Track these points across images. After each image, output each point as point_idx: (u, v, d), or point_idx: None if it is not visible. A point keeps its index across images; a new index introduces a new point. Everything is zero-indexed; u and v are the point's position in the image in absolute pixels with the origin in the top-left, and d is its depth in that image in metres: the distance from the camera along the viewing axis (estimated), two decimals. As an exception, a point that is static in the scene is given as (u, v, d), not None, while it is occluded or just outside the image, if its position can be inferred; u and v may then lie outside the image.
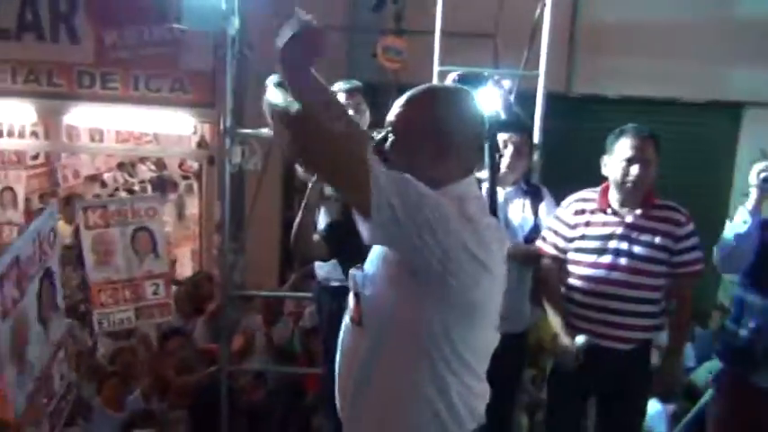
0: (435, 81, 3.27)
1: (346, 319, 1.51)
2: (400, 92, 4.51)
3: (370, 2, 4.50)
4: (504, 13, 4.64)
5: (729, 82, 5.30)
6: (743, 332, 2.32)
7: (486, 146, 2.30)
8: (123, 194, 6.21)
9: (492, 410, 2.49)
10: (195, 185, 6.35)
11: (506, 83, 3.17)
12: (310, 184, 2.38)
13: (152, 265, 3.61)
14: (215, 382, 3.36)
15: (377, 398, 1.42)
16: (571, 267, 2.41)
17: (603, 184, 2.42)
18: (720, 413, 2.46)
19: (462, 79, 2.80)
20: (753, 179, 2.22)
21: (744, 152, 5.48)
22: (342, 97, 2.86)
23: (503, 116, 2.92)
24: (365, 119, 2.92)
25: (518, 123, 2.63)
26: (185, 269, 5.87)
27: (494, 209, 2.39)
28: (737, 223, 2.24)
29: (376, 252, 1.46)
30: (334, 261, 2.80)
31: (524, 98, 3.38)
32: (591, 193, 2.44)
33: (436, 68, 3.25)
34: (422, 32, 4.01)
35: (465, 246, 1.30)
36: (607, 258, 2.31)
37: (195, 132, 5.46)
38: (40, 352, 2.31)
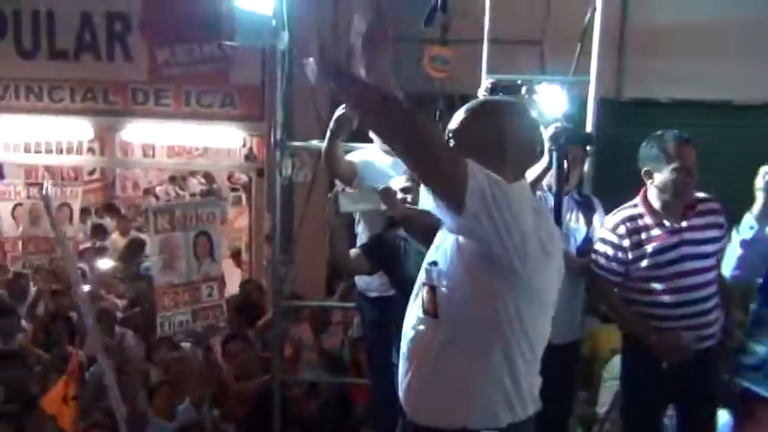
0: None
1: (418, 313, 1.57)
2: (446, 101, 4.54)
3: (416, 12, 4.51)
4: (551, 19, 4.60)
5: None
6: (760, 348, 2.25)
7: (554, 156, 2.34)
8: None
9: (547, 421, 2.49)
10: (244, 197, 6.47)
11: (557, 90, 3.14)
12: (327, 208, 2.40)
13: (209, 268, 3.70)
14: (268, 391, 3.40)
15: (451, 384, 1.51)
16: (643, 285, 2.36)
17: (640, 196, 2.39)
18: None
19: (495, 87, 2.81)
20: (759, 183, 2.16)
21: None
22: None
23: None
24: None
25: (585, 136, 2.61)
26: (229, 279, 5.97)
27: (558, 217, 2.38)
28: (744, 229, 2.17)
29: (447, 249, 1.53)
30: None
31: (575, 104, 3.34)
32: (633, 209, 2.40)
33: (485, 77, 3.24)
34: (467, 41, 4.00)
35: (536, 235, 1.43)
36: (679, 267, 2.29)
37: (244, 145, 5.57)
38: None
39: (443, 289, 1.51)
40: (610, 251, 2.40)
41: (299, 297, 4.59)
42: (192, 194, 7.23)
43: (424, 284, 1.58)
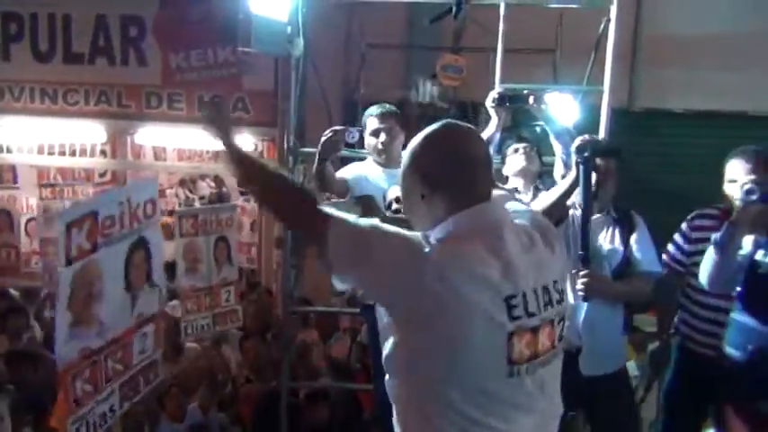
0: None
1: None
2: (459, 108, 4.55)
3: (429, 20, 4.54)
4: (564, 29, 4.61)
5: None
6: (740, 355, 2.21)
7: (581, 170, 2.24)
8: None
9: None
10: (253, 201, 6.50)
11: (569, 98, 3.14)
12: None
13: (227, 272, 3.72)
14: (276, 395, 3.40)
15: None
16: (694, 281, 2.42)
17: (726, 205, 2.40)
18: None
19: (502, 97, 2.81)
20: (735, 191, 2.17)
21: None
22: (375, 122, 2.89)
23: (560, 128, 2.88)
24: (398, 141, 2.93)
25: (611, 148, 2.45)
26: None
27: (585, 236, 2.27)
28: (720, 236, 2.16)
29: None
30: None
31: (587, 114, 3.33)
32: (713, 210, 2.49)
33: (497, 86, 3.24)
34: (480, 49, 4.02)
35: (453, 290, 1.24)
36: None
37: (255, 150, 5.59)
38: (119, 317, 2.28)
39: (382, 338, 1.40)
40: (677, 237, 2.57)
41: (308, 302, 4.60)
42: (202, 197, 7.27)
43: None
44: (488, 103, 2.82)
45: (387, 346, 1.36)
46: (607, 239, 2.47)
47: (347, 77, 5.01)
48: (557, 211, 2.36)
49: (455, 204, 1.37)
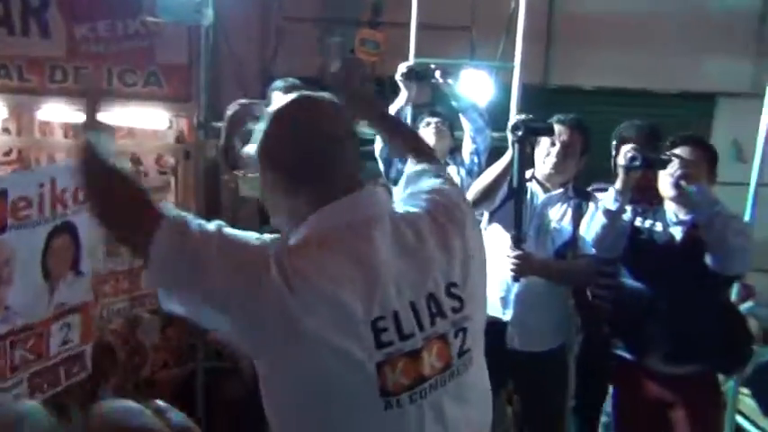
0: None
1: None
2: (377, 85, 4.55)
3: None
4: (481, 5, 4.66)
5: (702, 72, 5.38)
6: (624, 315, 2.38)
7: (516, 150, 2.22)
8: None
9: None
10: (172, 181, 6.28)
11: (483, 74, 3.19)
12: None
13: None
14: (193, 377, 3.35)
15: None
16: None
17: None
18: (617, 399, 2.49)
19: (410, 71, 2.83)
20: (620, 160, 2.27)
21: (718, 142, 5.54)
22: (280, 96, 2.86)
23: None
24: None
25: (545, 127, 2.37)
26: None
27: (518, 222, 2.25)
28: (608, 201, 2.27)
29: None
30: None
31: (503, 91, 3.39)
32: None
33: (412, 60, 3.25)
34: (399, 24, 4.01)
35: (291, 310, 1.05)
36: None
37: (171, 127, 5.40)
38: (33, 304, 2.16)
39: None
40: None
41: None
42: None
43: None
44: (397, 76, 2.84)
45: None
46: (557, 216, 2.46)
47: (264, 51, 4.89)
48: (493, 194, 2.36)
49: (316, 198, 1.16)
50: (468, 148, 3.00)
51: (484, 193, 2.37)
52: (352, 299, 1.07)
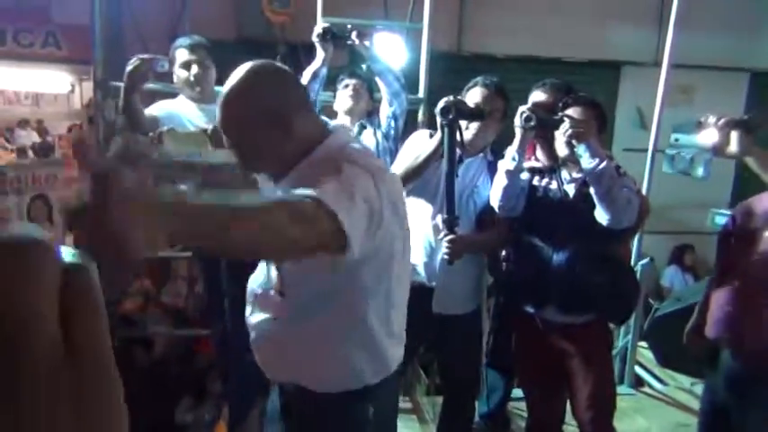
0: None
1: (257, 290, 1.56)
2: (288, 47, 4.43)
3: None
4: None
5: (609, 42, 5.57)
6: (523, 270, 2.45)
7: (446, 134, 2.18)
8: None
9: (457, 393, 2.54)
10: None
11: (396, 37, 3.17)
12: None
13: (48, 232, 3.39)
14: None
15: (299, 351, 1.50)
16: None
17: None
18: (519, 349, 2.58)
19: (326, 32, 2.79)
20: (517, 121, 2.30)
21: (622, 109, 5.81)
22: (185, 53, 2.77)
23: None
24: (211, 75, 2.83)
25: (476, 112, 2.32)
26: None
27: (451, 207, 2.23)
28: (507, 161, 2.32)
29: None
30: None
31: (417, 54, 3.39)
32: None
33: (320, 21, 3.19)
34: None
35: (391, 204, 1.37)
36: None
37: (73, 91, 5.12)
38: None
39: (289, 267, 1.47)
40: None
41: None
42: (21, 148, 6.57)
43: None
44: (313, 37, 2.78)
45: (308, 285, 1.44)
46: (477, 180, 2.48)
47: (171, 12, 4.69)
48: (421, 173, 2.35)
49: (311, 130, 1.43)
50: (385, 111, 2.99)
51: (414, 172, 2.38)
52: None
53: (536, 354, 2.46)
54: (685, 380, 3.77)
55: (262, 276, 1.58)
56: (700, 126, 2.13)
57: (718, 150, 2.07)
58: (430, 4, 3.20)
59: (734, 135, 2.03)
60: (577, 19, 5.42)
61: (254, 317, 1.59)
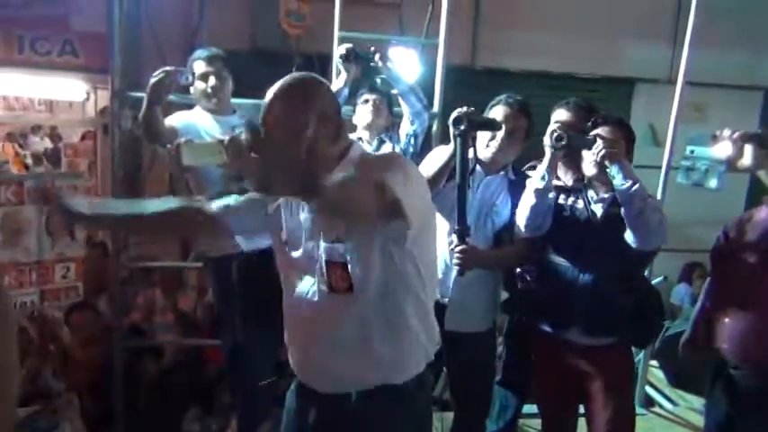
0: (336, 47, 3.24)
1: (313, 288, 1.60)
2: (303, 59, 4.45)
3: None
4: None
5: (623, 58, 5.56)
6: (547, 290, 2.40)
7: (458, 144, 2.17)
8: (14, 169, 5.80)
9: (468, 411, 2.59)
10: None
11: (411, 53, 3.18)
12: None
13: (65, 247, 3.40)
14: (109, 358, 3.25)
15: (375, 348, 1.57)
16: None
17: None
18: (537, 367, 2.56)
19: (349, 53, 2.81)
20: (546, 140, 2.29)
21: (635, 125, 5.74)
22: (202, 65, 2.79)
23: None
24: (228, 86, 2.85)
25: (489, 122, 2.32)
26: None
27: (462, 218, 2.20)
28: (535, 180, 2.30)
29: (339, 228, 1.55)
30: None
31: (432, 69, 3.40)
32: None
33: (336, 34, 3.21)
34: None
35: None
36: None
37: (88, 99, 5.16)
38: None
39: (356, 260, 1.54)
40: None
41: (152, 259, 4.39)
42: (35, 154, 6.62)
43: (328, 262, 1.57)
44: (336, 58, 2.83)
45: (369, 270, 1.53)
46: (497, 199, 2.45)
47: (188, 22, 4.73)
48: (436, 184, 2.32)
49: (346, 138, 1.60)
50: (405, 128, 3.03)
51: (430, 183, 2.36)
52: None
53: (555, 373, 2.43)
54: (696, 400, 3.73)
55: (312, 285, 1.61)
56: (714, 139, 2.14)
57: (732, 163, 2.09)
58: (447, 21, 3.21)
59: (747, 148, 2.05)
60: (591, 35, 5.42)
61: (315, 330, 1.62)
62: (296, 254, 1.63)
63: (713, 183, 2.15)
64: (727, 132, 2.10)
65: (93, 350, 3.54)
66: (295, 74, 1.57)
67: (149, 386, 3.33)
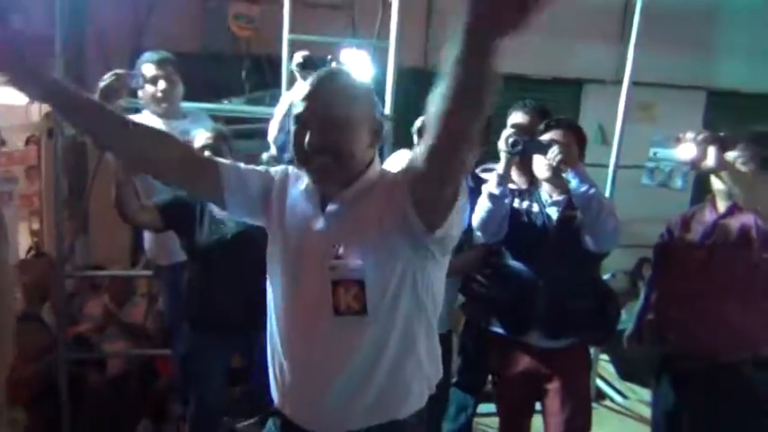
0: (285, 51, 3.21)
1: (322, 311, 1.39)
2: (252, 61, 4.39)
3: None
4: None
5: (571, 60, 5.66)
6: (505, 295, 2.42)
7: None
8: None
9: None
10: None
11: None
12: None
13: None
14: (53, 371, 3.14)
15: (381, 380, 1.41)
16: None
17: None
18: (500, 376, 2.57)
19: (306, 61, 2.79)
20: (501, 145, 2.33)
21: (584, 125, 5.84)
22: (151, 68, 2.73)
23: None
24: (178, 90, 2.80)
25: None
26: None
27: None
28: (491, 185, 2.33)
29: (362, 239, 1.38)
30: (158, 242, 2.68)
31: (384, 71, 3.38)
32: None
33: (285, 37, 3.17)
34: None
35: None
36: None
37: (32, 102, 4.98)
38: None
39: (372, 280, 1.37)
40: None
41: (100, 268, 4.26)
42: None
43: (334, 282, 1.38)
44: (293, 66, 2.80)
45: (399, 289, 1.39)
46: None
47: (134, 24, 4.61)
48: None
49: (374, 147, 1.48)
50: None
51: None
52: None
53: (513, 375, 2.44)
54: (645, 393, 3.82)
55: (319, 308, 1.40)
56: (678, 141, 2.20)
57: (696, 164, 2.14)
58: (397, 21, 3.20)
59: (711, 150, 2.10)
60: (541, 37, 5.44)
61: (311, 357, 1.43)
62: (292, 258, 1.46)
63: (678, 183, 2.21)
64: (690, 135, 2.15)
65: (37, 363, 3.41)
66: (340, 69, 1.60)
67: (97, 398, 3.22)
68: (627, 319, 3.93)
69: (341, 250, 1.38)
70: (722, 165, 2.11)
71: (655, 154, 2.33)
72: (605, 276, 3.58)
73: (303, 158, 1.40)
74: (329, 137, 1.36)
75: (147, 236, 2.97)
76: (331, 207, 1.43)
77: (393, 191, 1.35)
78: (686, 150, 2.15)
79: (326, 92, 1.39)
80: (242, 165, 1.58)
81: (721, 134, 2.20)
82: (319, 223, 1.43)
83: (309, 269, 1.41)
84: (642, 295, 2.59)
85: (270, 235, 1.54)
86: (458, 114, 1.11)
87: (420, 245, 1.35)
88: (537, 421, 2.54)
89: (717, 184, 2.25)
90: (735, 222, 2.21)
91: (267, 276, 1.52)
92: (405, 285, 1.39)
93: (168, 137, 1.55)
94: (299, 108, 1.40)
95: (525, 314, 2.36)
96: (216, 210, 2.44)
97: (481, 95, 1.09)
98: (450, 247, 1.43)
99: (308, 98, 1.39)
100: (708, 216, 2.30)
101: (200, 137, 2.38)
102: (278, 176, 1.56)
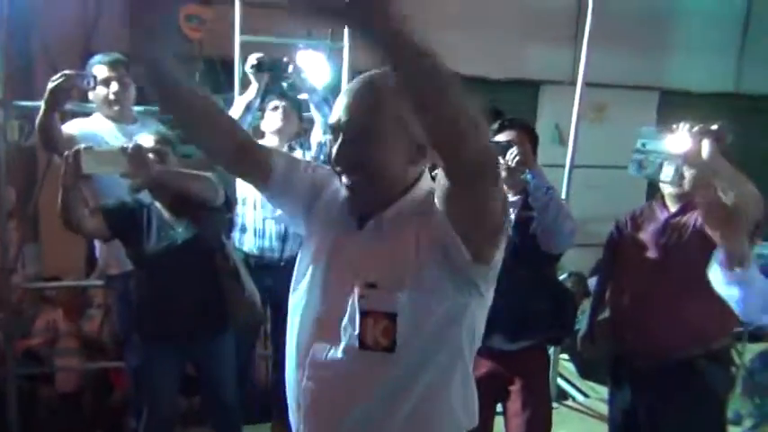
0: (237, 53, 3.15)
1: (346, 339, 1.25)
2: (205, 63, 4.31)
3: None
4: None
5: (527, 61, 5.72)
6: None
7: None
8: None
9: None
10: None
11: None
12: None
13: None
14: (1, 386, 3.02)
15: (401, 423, 1.27)
16: None
17: None
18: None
19: (260, 63, 2.75)
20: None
21: (542, 126, 5.96)
22: (104, 70, 2.66)
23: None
24: (130, 93, 2.73)
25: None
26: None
27: None
28: None
29: (398, 268, 1.23)
30: (109, 250, 2.62)
31: (340, 74, 3.35)
32: None
33: (237, 38, 3.12)
34: (227, 1, 3.85)
35: None
36: None
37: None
38: None
39: (407, 314, 1.22)
40: None
41: (54, 279, 4.13)
42: None
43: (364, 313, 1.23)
44: (247, 68, 2.77)
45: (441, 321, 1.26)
46: None
47: (82, 27, 4.48)
48: None
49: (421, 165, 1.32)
50: (317, 137, 3.00)
51: None
52: None
53: (476, 378, 2.43)
54: (605, 391, 3.87)
55: (343, 335, 1.26)
56: (670, 132, 2.14)
57: (689, 157, 2.09)
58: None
59: (705, 143, 2.06)
60: (498, 38, 5.54)
61: (324, 396, 1.30)
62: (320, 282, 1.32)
63: (668, 176, 2.16)
64: (684, 126, 2.11)
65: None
66: (374, 73, 1.28)
67: (49, 414, 3.11)
68: (581, 319, 4.01)
69: (375, 277, 1.23)
70: (713, 158, 2.06)
71: (643, 145, 2.33)
72: (561, 276, 3.61)
73: (335, 171, 1.29)
74: (355, 149, 1.22)
75: (98, 244, 2.88)
76: (369, 227, 1.28)
77: (431, 219, 1.20)
78: (678, 142, 2.10)
79: (353, 98, 1.24)
80: (300, 158, 1.49)
81: (716, 127, 2.10)
82: (355, 243, 1.29)
83: (338, 292, 1.27)
84: (592, 296, 2.61)
85: (303, 242, 1.42)
86: (438, 122, 1.02)
87: (463, 279, 1.22)
88: (499, 423, 2.54)
89: (667, 188, 2.27)
90: (687, 221, 2.24)
91: (291, 288, 1.39)
92: (442, 327, 1.26)
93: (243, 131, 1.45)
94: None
95: (488, 317, 2.35)
96: (165, 213, 2.37)
97: (441, 90, 0.98)
98: (495, 276, 1.30)
99: (337, 104, 1.27)
100: (659, 214, 2.33)
101: (144, 141, 2.30)
102: (327, 180, 1.41)
